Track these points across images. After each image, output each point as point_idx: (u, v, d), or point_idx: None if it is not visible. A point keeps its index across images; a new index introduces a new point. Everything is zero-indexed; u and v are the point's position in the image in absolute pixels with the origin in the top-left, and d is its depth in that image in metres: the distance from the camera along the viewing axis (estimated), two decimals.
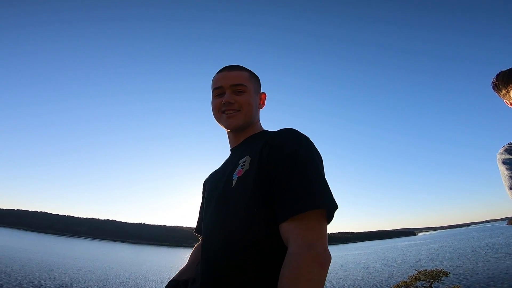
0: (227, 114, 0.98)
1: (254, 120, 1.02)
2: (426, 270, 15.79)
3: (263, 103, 1.08)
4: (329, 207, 0.74)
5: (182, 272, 1.07)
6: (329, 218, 0.75)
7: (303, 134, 0.87)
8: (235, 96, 0.97)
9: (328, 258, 0.70)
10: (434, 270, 15.59)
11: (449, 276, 15.57)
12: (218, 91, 1.00)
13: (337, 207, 0.75)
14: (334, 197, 0.76)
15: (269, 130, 1.02)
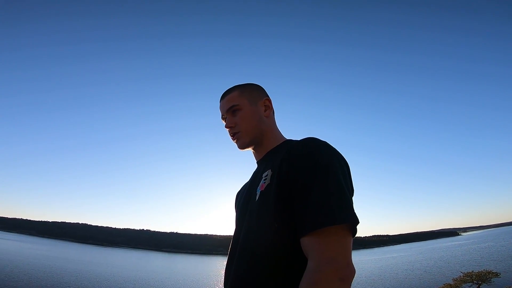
0: (234, 138, 1.04)
1: (263, 130, 1.02)
2: (472, 271, 14.67)
3: (269, 108, 1.06)
4: (349, 222, 0.71)
5: None
6: (353, 231, 0.73)
7: (323, 143, 0.83)
8: (233, 118, 1.02)
9: (351, 272, 0.68)
10: (482, 272, 14.42)
11: (500, 277, 14.38)
12: (223, 120, 1.08)
13: (358, 222, 0.72)
14: (354, 210, 0.74)
15: (293, 139, 1.01)
